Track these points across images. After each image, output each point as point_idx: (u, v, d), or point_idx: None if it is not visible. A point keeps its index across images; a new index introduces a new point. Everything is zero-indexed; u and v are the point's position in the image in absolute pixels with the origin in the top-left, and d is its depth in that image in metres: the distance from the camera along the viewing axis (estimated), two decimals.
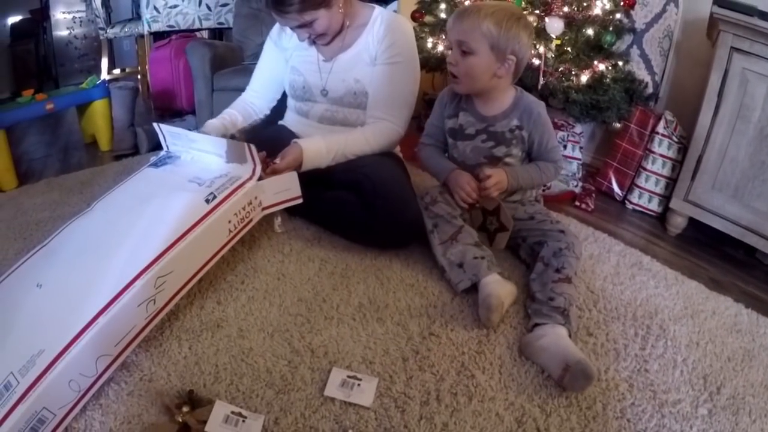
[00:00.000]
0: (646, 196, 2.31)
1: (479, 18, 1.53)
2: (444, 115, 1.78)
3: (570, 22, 2.19)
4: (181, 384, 1.25)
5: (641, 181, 2.30)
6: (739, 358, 1.42)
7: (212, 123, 1.89)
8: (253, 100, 2.06)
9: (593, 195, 2.37)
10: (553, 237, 1.61)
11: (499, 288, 1.48)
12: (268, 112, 2.09)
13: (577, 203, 2.32)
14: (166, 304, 1.31)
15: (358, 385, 1.24)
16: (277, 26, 1.99)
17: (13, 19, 3.76)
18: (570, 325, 1.41)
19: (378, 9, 1.90)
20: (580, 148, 2.45)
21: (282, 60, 2.01)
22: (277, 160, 1.69)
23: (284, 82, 2.02)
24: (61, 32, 4.02)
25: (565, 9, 2.19)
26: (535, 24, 2.18)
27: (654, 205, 2.30)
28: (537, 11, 2.21)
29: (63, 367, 1.08)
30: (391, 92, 1.85)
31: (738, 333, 1.52)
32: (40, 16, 3.90)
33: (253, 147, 1.51)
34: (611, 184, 2.43)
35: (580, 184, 2.39)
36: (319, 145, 1.77)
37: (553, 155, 1.73)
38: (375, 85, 1.85)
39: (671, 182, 2.23)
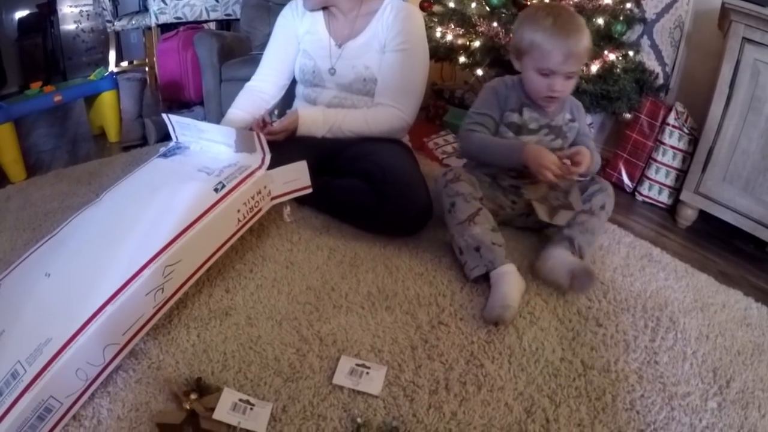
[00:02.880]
0: (656, 188, 2.29)
1: (586, 38, 1.54)
2: (504, 109, 1.71)
3: (580, 11, 2.17)
4: (189, 371, 1.25)
5: (651, 173, 2.29)
6: (749, 352, 1.41)
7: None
8: (263, 86, 2.03)
9: None
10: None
11: (516, 290, 1.47)
12: (280, 95, 2.07)
13: None
14: (175, 293, 1.31)
15: (367, 373, 1.24)
16: (288, 9, 1.99)
17: (20, 14, 3.77)
18: (575, 249, 1.59)
19: None
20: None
21: (292, 41, 2.00)
22: (276, 123, 1.75)
23: (294, 67, 2.02)
24: (69, 26, 4.03)
25: None
26: None
27: (664, 197, 2.29)
28: (547, 0, 2.19)
29: (70, 356, 1.09)
30: (399, 79, 1.84)
31: (748, 327, 1.51)
32: (48, 10, 3.91)
33: (262, 136, 1.51)
34: (621, 175, 2.42)
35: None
36: (317, 114, 1.82)
37: (591, 141, 1.77)
38: (383, 72, 1.85)
39: (682, 174, 2.21)
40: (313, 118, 1.81)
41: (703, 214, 2.11)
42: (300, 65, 1.98)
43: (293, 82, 2.09)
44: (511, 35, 1.65)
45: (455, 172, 1.70)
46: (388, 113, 1.85)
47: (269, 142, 1.55)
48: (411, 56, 1.85)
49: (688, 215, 2.14)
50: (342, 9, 1.89)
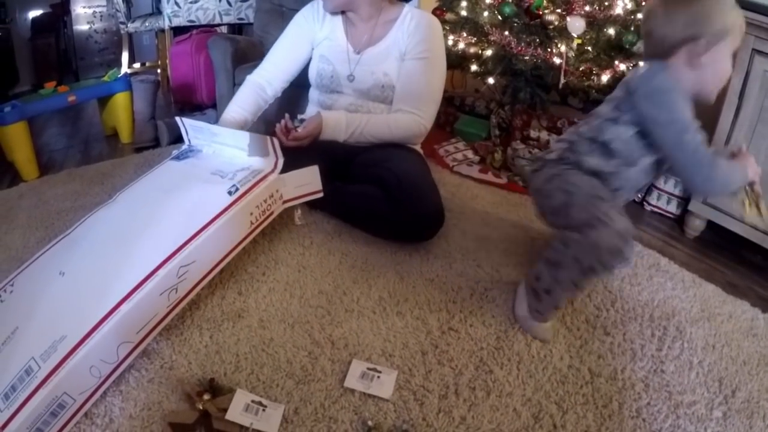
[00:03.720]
0: (664, 198, 2.29)
1: None
2: None
3: (591, 21, 2.18)
4: (202, 372, 1.27)
5: (660, 183, 2.29)
6: (755, 362, 1.42)
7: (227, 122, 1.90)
8: (263, 83, 2.00)
9: None
10: None
11: None
12: (276, 97, 2.05)
13: None
14: (188, 294, 1.33)
15: (378, 377, 1.26)
16: (309, 11, 2.00)
17: (34, 13, 3.79)
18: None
19: (407, 6, 1.92)
20: None
21: (306, 44, 2.00)
22: (300, 128, 1.74)
23: (310, 71, 2.02)
24: (82, 26, 4.05)
25: (587, 8, 2.18)
26: (556, 23, 2.18)
27: (672, 207, 2.28)
28: (558, 10, 2.20)
29: (84, 353, 1.11)
30: (420, 87, 1.85)
31: (754, 337, 1.51)
32: (61, 11, 3.93)
33: (275, 140, 1.53)
34: None
35: None
36: (340, 118, 1.82)
37: None
38: (404, 79, 1.86)
39: None
40: (336, 121, 1.81)
41: (711, 225, 2.11)
42: (318, 70, 1.98)
43: (299, 87, 2.09)
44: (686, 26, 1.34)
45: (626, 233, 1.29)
46: (409, 119, 1.86)
47: (286, 147, 1.57)
48: (432, 64, 1.86)
49: (696, 225, 2.14)
50: (362, 15, 1.89)
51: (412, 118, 1.86)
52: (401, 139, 1.89)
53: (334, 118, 1.82)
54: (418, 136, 1.91)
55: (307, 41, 2.00)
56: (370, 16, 1.90)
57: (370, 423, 1.14)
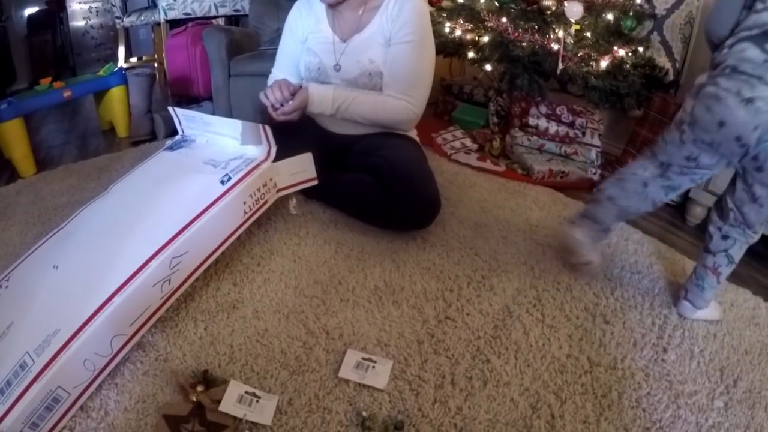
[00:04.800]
0: None
1: None
2: None
3: (590, 6, 2.16)
4: (196, 364, 1.26)
5: None
6: (757, 351, 1.40)
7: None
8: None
9: None
10: None
11: None
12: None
13: (596, 191, 2.29)
14: (182, 285, 1.32)
15: (373, 367, 1.25)
16: (293, 13, 1.98)
17: (30, 10, 3.79)
18: None
19: None
20: (599, 135, 2.42)
21: (300, 42, 1.98)
22: (287, 104, 1.73)
23: (300, 66, 2.00)
24: (78, 22, 4.05)
25: None
26: (554, 8, 2.16)
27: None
28: None
29: (78, 347, 1.10)
30: (408, 71, 1.82)
31: (756, 326, 1.50)
32: (57, 7, 3.92)
33: (268, 128, 1.51)
34: None
35: (599, 171, 2.36)
36: (327, 93, 1.80)
37: None
38: (390, 65, 1.83)
39: None
40: (323, 96, 1.80)
41: None
42: (305, 63, 1.95)
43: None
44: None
45: None
46: (398, 104, 1.82)
47: (278, 133, 1.55)
48: (418, 47, 1.82)
49: (697, 213, 2.12)
50: (352, 5, 1.86)
51: (400, 103, 1.82)
52: (389, 124, 1.86)
53: (321, 93, 1.80)
54: (407, 122, 1.88)
55: (298, 41, 1.98)
56: (359, 4, 1.87)
57: (364, 413, 1.13)
